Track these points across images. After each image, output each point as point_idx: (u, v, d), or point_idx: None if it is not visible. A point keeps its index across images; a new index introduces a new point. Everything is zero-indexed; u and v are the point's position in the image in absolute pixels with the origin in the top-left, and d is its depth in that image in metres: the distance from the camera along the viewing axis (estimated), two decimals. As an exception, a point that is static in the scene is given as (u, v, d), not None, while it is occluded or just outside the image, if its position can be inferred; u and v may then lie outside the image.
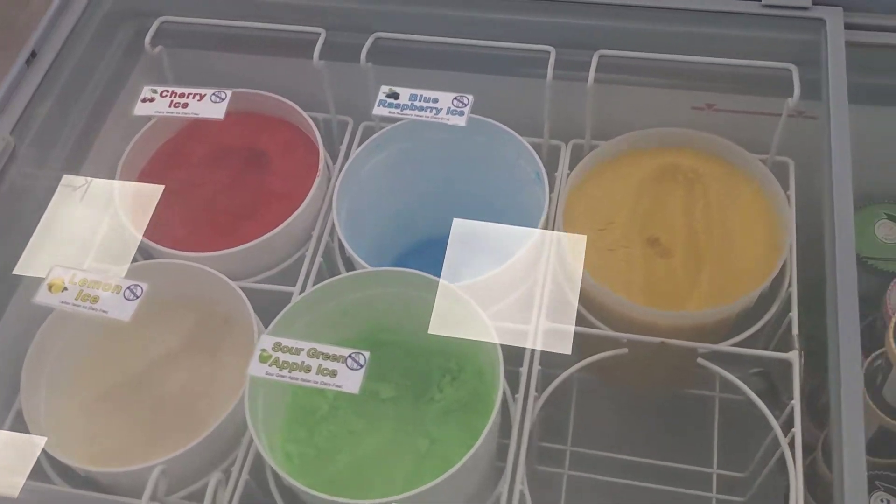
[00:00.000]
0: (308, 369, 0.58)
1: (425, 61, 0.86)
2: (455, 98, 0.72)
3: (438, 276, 0.74)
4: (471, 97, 0.73)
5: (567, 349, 0.77)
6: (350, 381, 0.57)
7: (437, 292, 0.72)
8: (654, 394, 0.91)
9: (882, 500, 0.79)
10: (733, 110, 0.83)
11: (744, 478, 0.84)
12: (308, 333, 0.72)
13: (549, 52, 0.81)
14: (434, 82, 0.80)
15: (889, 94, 0.83)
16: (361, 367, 0.58)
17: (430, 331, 0.76)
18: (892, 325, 0.72)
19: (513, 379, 0.75)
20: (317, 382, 0.58)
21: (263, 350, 0.59)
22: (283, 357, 0.59)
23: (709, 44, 0.80)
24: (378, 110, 0.73)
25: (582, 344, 0.79)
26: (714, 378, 0.85)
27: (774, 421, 0.71)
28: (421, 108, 0.72)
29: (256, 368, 0.58)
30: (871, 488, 0.79)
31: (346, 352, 0.59)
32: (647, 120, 0.84)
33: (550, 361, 0.79)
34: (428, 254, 0.99)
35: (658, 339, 0.74)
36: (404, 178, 0.90)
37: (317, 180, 0.82)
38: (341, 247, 0.81)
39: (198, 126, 0.91)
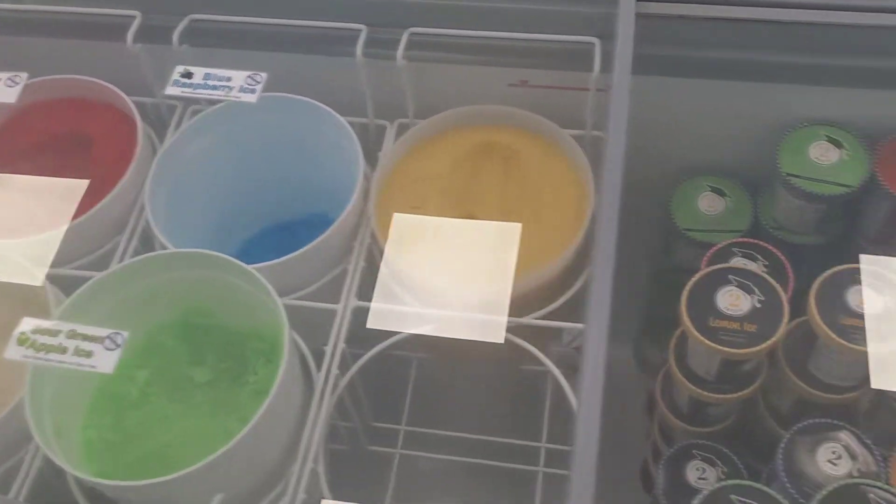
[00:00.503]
0: (64, 350, 0.58)
1: (245, 42, 0.85)
2: (248, 76, 0.72)
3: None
4: (264, 75, 0.73)
5: (379, 326, 0.77)
6: (105, 361, 0.57)
7: (237, 275, 0.72)
8: (486, 370, 0.92)
9: (698, 469, 0.80)
10: (548, 86, 0.83)
11: (571, 451, 0.85)
12: (113, 318, 0.72)
13: (360, 31, 0.81)
14: (255, 63, 0.80)
15: (709, 67, 0.83)
16: (119, 346, 0.58)
17: (236, 312, 0.77)
18: (685, 295, 0.73)
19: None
20: (71, 363, 0.57)
21: (22, 333, 0.58)
22: (40, 339, 0.58)
23: (520, 20, 0.80)
24: (171, 90, 0.72)
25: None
26: (547, 353, 0.86)
27: (570, 392, 0.72)
28: (214, 87, 0.72)
29: (13, 352, 0.58)
30: (689, 457, 0.80)
31: (104, 332, 0.59)
32: (468, 97, 0.84)
33: (376, 340, 0.79)
34: (272, 239, 0.99)
35: (461, 314, 0.74)
36: (234, 162, 0.89)
37: (132, 165, 0.81)
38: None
39: (25, 114, 0.89)
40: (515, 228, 0.79)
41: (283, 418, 0.68)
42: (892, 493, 0.63)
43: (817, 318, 0.69)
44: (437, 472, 0.87)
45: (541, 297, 0.78)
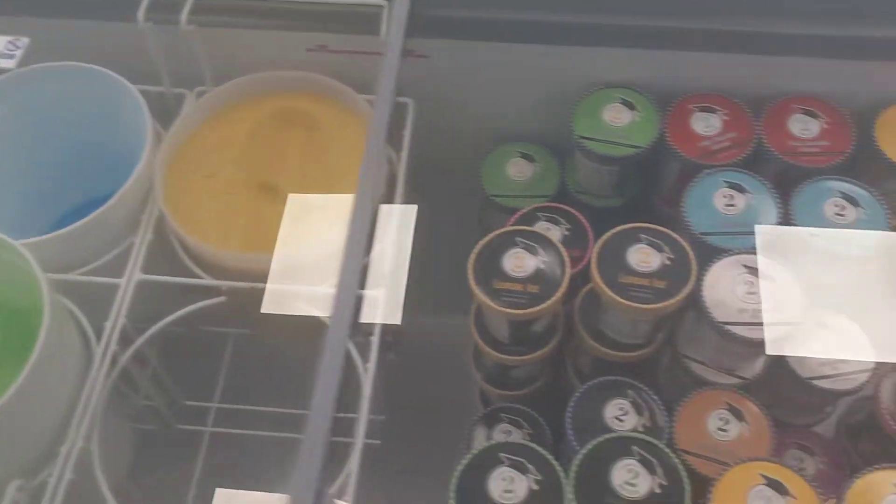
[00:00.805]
0: None
1: (29, 8, 0.81)
2: (8, 41, 0.69)
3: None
4: (26, 40, 0.69)
5: (163, 301, 0.75)
6: None
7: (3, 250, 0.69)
8: (302, 343, 0.90)
9: (505, 432, 0.80)
10: (345, 51, 0.82)
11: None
12: None
13: (146, -5, 0.78)
14: (40, 30, 0.76)
15: (507, 29, 0.82)
16: None
17: (16, 290, 0.73)
18: (472, 258, 0.73)
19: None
20: None
21: None
22: None
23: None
24: (-77, 56, 0.68)
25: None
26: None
27: (359, 361, 0.71)
28: (-28, 53, 0.68)
29: None
30: (496, 420, 0.80)
31: None
32: (267, 63, 0.83)
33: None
34: (83, 216, 0.96)
35: (248, 284, 0.72)
36: (29, 136, 0.85)
37: None
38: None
39: None
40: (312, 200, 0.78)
41: (48, 397, 0.66)
42: (653, 445, 0.64)
43: (597, 276, 0.69)
44: (250, 449, 0.86)
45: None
